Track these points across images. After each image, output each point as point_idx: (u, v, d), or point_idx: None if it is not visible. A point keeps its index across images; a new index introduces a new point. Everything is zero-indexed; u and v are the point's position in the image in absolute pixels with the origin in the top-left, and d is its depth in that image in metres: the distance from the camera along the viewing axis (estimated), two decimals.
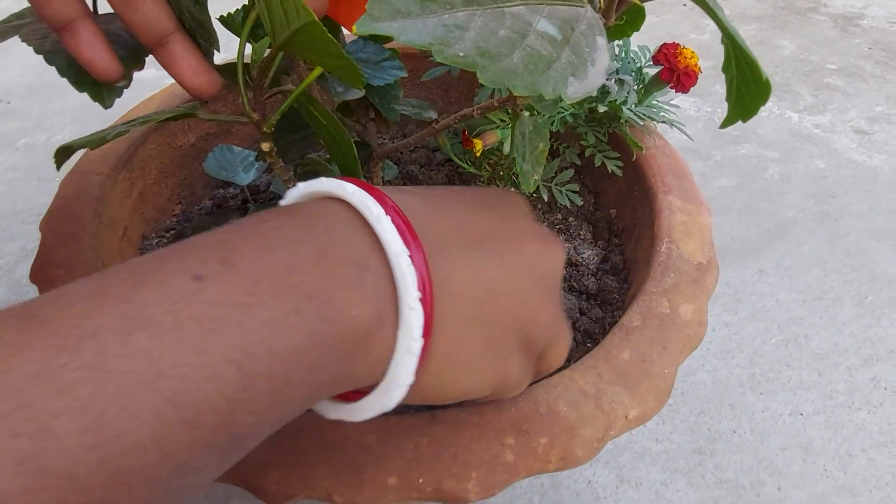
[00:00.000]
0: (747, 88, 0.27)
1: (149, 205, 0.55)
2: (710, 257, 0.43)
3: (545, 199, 0.57)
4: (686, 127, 1.04)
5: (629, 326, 0.37)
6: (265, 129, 0.29)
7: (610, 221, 0.60)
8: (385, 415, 0.23)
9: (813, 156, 0.96)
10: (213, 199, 0.60)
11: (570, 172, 0.58)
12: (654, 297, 0.38)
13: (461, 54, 0.18)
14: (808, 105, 1.07)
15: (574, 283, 0.52)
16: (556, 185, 0.58)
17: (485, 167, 0.55)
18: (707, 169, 0.94)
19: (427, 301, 0.21)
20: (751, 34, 1.28)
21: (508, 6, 0.20)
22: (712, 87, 1.11)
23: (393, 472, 0.29)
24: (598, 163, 0.57)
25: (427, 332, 0.21)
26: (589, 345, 0.46)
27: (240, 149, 0.54)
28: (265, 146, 0.30)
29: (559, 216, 0.61)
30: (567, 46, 0.20)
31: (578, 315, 0.49)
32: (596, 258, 0.55)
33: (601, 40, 0.22)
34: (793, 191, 0.90)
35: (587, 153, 0.58)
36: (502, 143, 0.49)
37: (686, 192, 0.50)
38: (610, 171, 0.57)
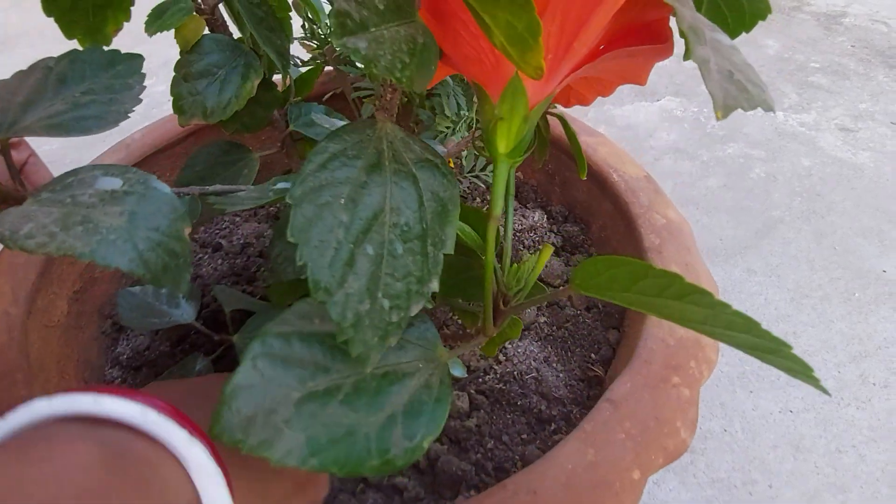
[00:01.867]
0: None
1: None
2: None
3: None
4: (673, 127, 1.05)
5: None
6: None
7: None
8: None
9: (799, 154, 0.97)
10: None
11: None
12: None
13: None
14: (793, 104, 1.08)
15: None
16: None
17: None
18: (694, 169, 0.94)
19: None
20: None
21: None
22: (698, 88, 1.12)
23: None
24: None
25: None
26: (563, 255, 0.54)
27: (140, 288, 0.44)
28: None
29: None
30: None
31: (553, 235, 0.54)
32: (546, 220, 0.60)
33: None
34: (779, 189, 0.90)
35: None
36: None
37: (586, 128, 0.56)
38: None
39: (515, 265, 0.26)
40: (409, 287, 0.20)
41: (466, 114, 0.46)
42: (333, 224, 0.19)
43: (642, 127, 1.04)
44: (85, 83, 0.25)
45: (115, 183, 0.21)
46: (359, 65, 0.45)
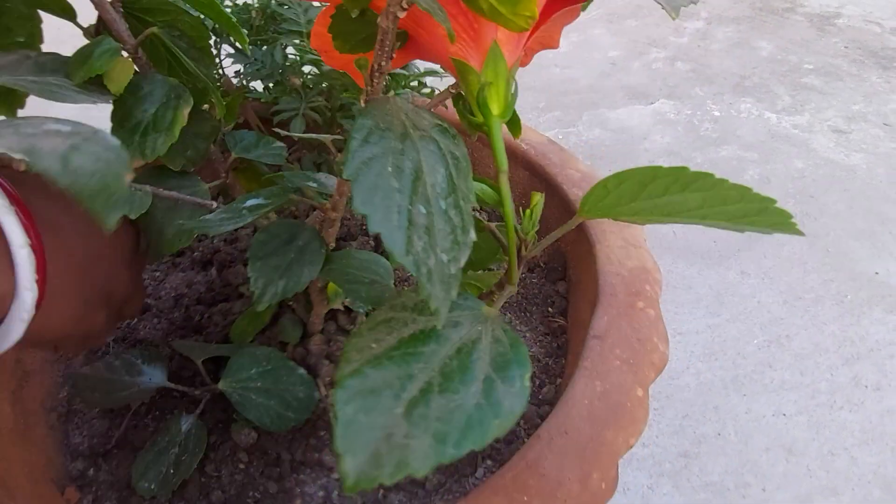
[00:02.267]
0: None
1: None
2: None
3: None
4: (667, 129, 1.05)
5: None
6: None
7: None
8: None
9: (791, 156, 0.97)
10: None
11: None
12: None
13: None
14: (786, 105, 1.09)
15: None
16: None
17: None
18: None
19: (41, 281, 0.27)
20: (729, 36, 1.29)
21: None
22: (691, 90, 1.12)
23: None
24: None
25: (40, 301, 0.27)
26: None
27: (89, 367, 0.41)
28: None
29: None
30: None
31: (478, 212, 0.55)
32: None
33: None
34: (772, 191, 0.90)
35: None
36: None
37: None
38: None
39: (528, 210, 0.28)
40: (456, 238, 0.21)
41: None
42: (390, 190, 0.20)
43: (636, 130, 1.05)
44: None
45: (63, 126, 0.21)
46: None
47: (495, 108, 0.24)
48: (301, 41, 0.40)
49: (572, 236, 0.48)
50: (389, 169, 0.20)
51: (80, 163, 0.20)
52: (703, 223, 0.23)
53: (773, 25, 1.34)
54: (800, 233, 0.22)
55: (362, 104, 0.24)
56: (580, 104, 1.11)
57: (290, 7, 0.39)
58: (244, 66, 0.43)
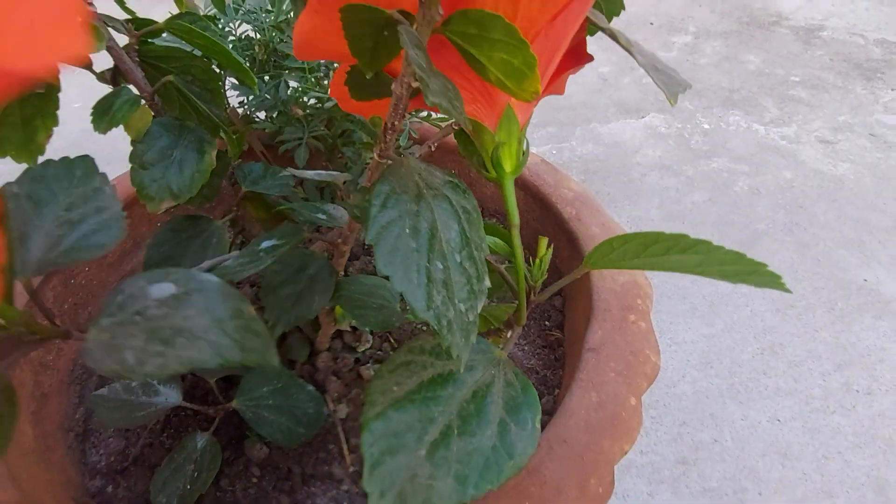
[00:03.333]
0: None
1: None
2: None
3: None
4: (658, 143, 1.08)
5: None
6: None
7: None
8: None
9: (780, 167, 1.00)
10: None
11: None
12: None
13: None
14: (774, 118, 1.12)
15: None
16: None
17: None
18: (680, 185, 0.97)
19: None
20: (717, 50, 1.32)
21: None
22: (681, 104, 1.15)
23: None
24: None
25: None
26: None
27: (107, 388, 0.41)
28: None
29: None
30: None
31: None
32: None
33: None
34: (763, 202, 0.93)
35: None
36: None
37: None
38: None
39: (537, 260, 0.30)
40: (472, 288, 0.23)
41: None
42: (409, 251, 0.22)
43: (629, 144, 1.07)
44: (61, 199, 0.25)
45: (167, 288, 0.22)
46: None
47: (508, 166, 0.26)
48: (304, 76, 0.42)
49: (567, 253, 0.50)
50: (407, 231, 0.22)
51: (249, 342, 0.21)
52: (701, 275, 0.26)
53: (759, 39, 1.37)
54: (788, 290, 0.24)
55: (375, 157, 0.26)
56: (573, 120, 1.14)
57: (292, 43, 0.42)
58: (248, 99, 0.45)
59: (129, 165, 0.33)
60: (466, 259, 0.24)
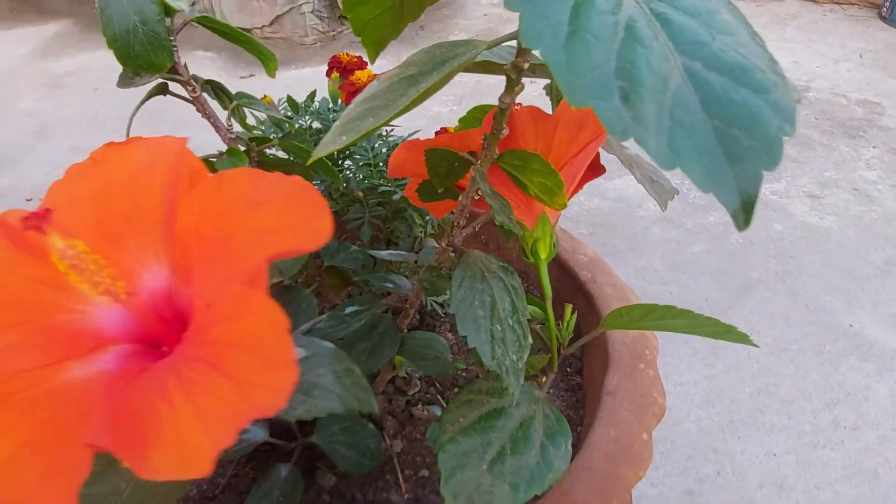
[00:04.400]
0: None
1: None
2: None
3: None
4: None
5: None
6: None
7: None
8: None
9: (772, 220, 1.09)
10: None
11: None
12: None
13: None
14: (764, 174, 1.21)
15: None
16: None
17: None
18: (680, 236, 1.06)
19: None
20: None
21: None
22: None
23: None
24: None
25: None
26: None
27: None
28: None
29: None
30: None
31: None
32: None
33: None
34: (756, 253, 1.02)
35: None
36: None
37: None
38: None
39: (564, 322, 0.40)
40: (520, 343, 0.31)
41: (429, 218, 0.58)
42: (478, 317, 0.31)
43: (632, 199, 1.17)
44: None
45: (300, 352, 0.31)
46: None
47: (543, 254, 0.36)
48: (369, 168, 0.52)
49: (585, 310, 0.58)
50: (476, 303, 0.31)
51: (362, 396, 0.30)
52: (690, 334, 0.35)
53: None
54: (755, 345, 0.33)
55: (443, 246, 0.36)
56: None
57: (359, 144, 0.52)
58: (320, 184, 0.55)
59: None
60: (516, 322, 0.33)
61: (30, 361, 0.25)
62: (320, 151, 0.23)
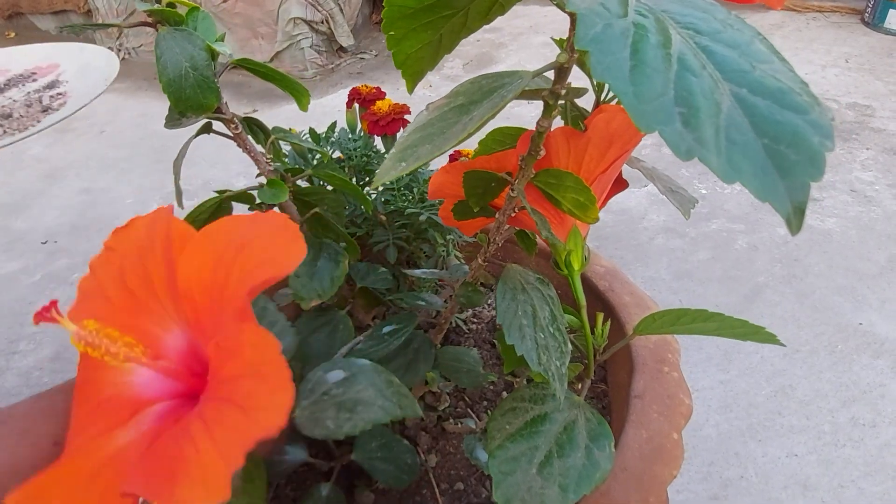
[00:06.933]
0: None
1: None
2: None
3: None
4: (661, 208, 1.19)
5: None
6: None
7: None
8: None
9: (774, 224, 1.11)
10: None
11: None
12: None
13: None
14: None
15: None
16: None
17: None
18: (685, 245, 1.08)
19: None
20: None
21: None
22: (679, 172, 1.28)
23: None
24: None
25: None
26: None
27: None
28: None
29: None
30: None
31: None
32: None
33: None
34: (761, 258, 1.04)
35: None
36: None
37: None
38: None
39: (599, 329, 0.42)
40: (561, 350, 0.33)
41: (451, 237, 0.60)
42: (523, 326, 0.33)
43: (635, 210, 1.19)
44: None
45: (338, 374, 0.32)
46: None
47: (576, 265, 0.37)
48: (393, 192, 0.54)
49: (605, 319, 0.60)
50: (520, 313, 0.33)
51: (408, 405, 0.32)
52: (719, 336, 0.36)
53: None
54: (783, 345, 0.34)
55: (480, 261, 0.38)
56: None
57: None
58: (345, 210, 0.57)
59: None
60: (556, 330, 0.34)
61: (88, 435, 0.27)
62: (381, 177, 0.25)
